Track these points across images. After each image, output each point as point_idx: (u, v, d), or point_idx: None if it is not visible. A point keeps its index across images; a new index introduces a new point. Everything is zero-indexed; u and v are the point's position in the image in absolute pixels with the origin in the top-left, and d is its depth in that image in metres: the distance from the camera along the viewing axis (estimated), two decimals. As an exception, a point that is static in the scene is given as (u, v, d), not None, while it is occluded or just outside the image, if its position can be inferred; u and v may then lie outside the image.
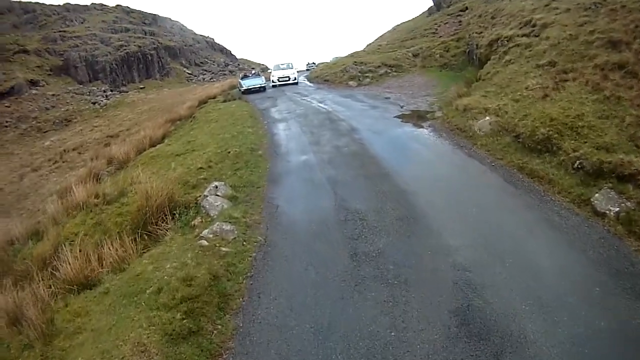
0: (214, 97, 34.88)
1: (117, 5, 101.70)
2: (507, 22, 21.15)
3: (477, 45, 23.87)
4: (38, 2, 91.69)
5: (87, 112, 56.01)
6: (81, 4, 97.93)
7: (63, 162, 36.01)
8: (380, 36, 63.40)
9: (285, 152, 14.83)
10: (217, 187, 11.36)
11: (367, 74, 31.82)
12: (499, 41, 19.58)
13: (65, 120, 53.91)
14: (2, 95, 56.94)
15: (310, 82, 36.73)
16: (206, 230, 9.02)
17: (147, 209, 10.34)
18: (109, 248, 9.07)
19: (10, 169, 40.00)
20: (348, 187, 10.75)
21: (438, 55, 31.12)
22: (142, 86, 71.90)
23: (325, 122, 18.37)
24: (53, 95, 59.82)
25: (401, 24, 63.58)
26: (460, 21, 36.42)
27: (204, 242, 8.56)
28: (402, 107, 20.26)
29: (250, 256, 8.29)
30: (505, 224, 8.29)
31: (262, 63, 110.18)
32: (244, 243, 8.73)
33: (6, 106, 55.40)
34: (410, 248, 7.78)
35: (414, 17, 63.48)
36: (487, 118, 13.38)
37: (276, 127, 18.79)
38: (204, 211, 10.46)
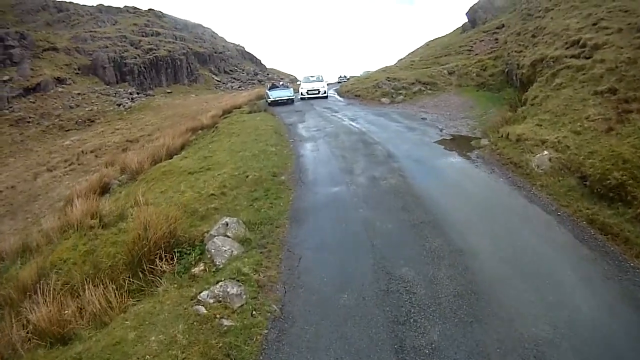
0: (240, 107, 33.43)
1: (150, 9, 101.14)
2: (550, 42, 19.39)
3: (518, 65, 22.06)
4: (72, 2, 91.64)
5: (111, 114, 54.75)
6: (114, 5, 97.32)
7: (79, 164, 34.50)
8: (413, 52, 61.36)
9: (312, 180, 12.65)
10: (227, 224, 9.22)
11: (400, 91, 29.97)
12: (543, 62, 17.72)
13: (88, 120, 52.68)
14: (28, 91, 56.48)
15: (340, 97, 34.73)
16: (206, 292, 6.85)
17: (143, 242, 8.40)
18: (91, 294, 7.36)
19: (26, 166, 38.83)
20: (389, 239, 8.46)
21: (474, 74, 29.43)
22: (169, 91, 70.79)
23: (359, 144, 16.23)
24: (79, 94, 58.83)
25: (434, 39, 61.68)
26: (496, 39, 35.09)
27: (202, 310, 6.44)
28: (441, 130, 18.25)
29: (261, 334, 6.12)
30: (589, 305, 6.23)
31: (291, 74, 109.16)
32: (254, 313, 6.52)
33: (31, 102, 54.74)
34: (474, 344, 5.55)
35: (447, 33, 62.12)
36: (546, 153, 11.36)
37: (303, 148, 16.71)
38: (208, 256, 8.30)
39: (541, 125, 13.19)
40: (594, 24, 17.14)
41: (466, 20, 53.26)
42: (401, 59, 57.42)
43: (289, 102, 32.64)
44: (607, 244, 7.69)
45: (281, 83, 40.64)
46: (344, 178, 12.34)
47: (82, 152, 37.87)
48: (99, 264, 8.82)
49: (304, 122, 22.99)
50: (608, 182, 8.80)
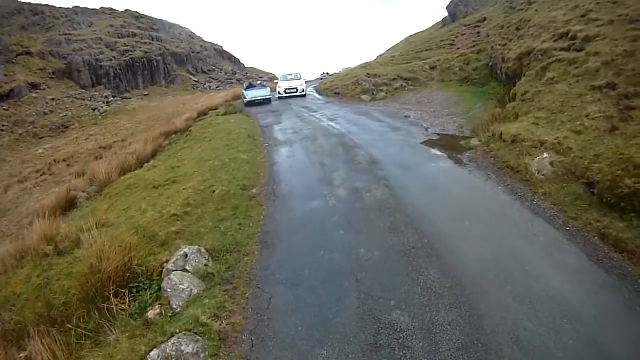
0: (215, 108, 31.92)
1: (126, 9, 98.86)
2: (536, 34, 18.40)
3: (502, 58, 20.93)
4: (47, 4, 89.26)
5: (86, 119, 52.91)
6: (90, 7, 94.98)
7: (50, 174, 32.76)
8: (392, 47, 60.22)
9: (286, 193, 11.13)
10: (186, 255, 7.81)
11: (381, 87, 28.60)
12: (531, 55, 16.65)
13: (62, 127, 50.85)
14: (2, 98, 54.90)
15: (319, 95, 33.11)
16: (156, 352, 5.45)
17: (97, 276, 7.27)
18: (39, 342, 6.30)
19: (-2, 177, 36.81)
20: (376, 271, 6.96)
21: (457, 69, 28.27)
22: (146, 92, 68.95)
23: (338, 148, 14.75)
24: (53, 99, 56.88)
25: (414, 34, 60.75)
26: (478, 32, 34.28)
27: (151, 376, 5.03)
28: (426, 129, 16.84)
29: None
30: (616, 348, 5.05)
31: (270, 72, 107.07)
32: (212, 381, 5.12)
33: (4, 109, 52.97)
34: None
35: (427, 27, 60.90)
36: (546, 155, 10.06)
37: (278, 154, 15.19)
38: (165, 295, 6.88)
39: (537, 124, 11.97)
40: (582, 16, 16.13)
41: (446, 14, 52.36)
42: (381, 55, 56.22)
43: (266, 101, 31.19)
44: (624, 264, 6.52)
45: (258, 82, 38.88)
46: (323, 190, 10.85)
47: (55, 160, 36.13)
48: (53, 299, 7.76)
49: (280, 123, 21.51)
50: (619, 190, 7.65)
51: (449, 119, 18.51)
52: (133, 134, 36.27)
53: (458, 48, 33.44)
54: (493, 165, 11.36)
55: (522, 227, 8.00)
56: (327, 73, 64.90)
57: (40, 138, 48.72)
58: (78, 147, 39.03)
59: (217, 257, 8.03)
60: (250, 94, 31.66)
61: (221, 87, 77.57)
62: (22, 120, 51.78)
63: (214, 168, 13.27)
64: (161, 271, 7.63)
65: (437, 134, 15.97)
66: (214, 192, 11.00)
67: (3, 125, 50.50)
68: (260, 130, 19.98)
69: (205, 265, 7.73)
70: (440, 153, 13.31)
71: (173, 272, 7.34)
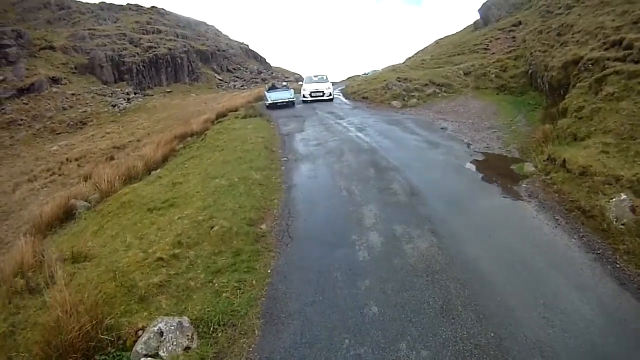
0: (236, 110, 29.83)
1: (153, 6, 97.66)
2: (583, 41, 16.79)
3: (545, 66, 18.78)
4: (73, 0, 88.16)
5: (105, 116, 51.46)
6: (117, 3, 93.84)
7: (60, 174, 31.06)
8: (422, 50, 57.49)
9: (304, 234, 8.73)
10: (162, 333, 5.60)
11: (412, 93, 26.09)
12: (580, 64, 14.76)
13: (80, 123, 49.49)
14: (22, 92, 53.73)
15: (346, 99, 30.51)
16: None
17: (61, 337, 5.47)
18: None
19: (10, 174, 35.79)
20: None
21: (493, 75, 25.88)
22: (169, 90, 67.33)
23: (369, 169, 12.32)
24: (73, 94, 55.62)
25: (445, 37, 58.09)
26: (514, 37, 31.84)
27: None
28: (468, 146, 14.56)
29: None
30: None
31: (296, 72, 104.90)
32: None
33: (24, 103, 51.98)
34: None
35: (457, 31, 58.82)
36: (624, 197, 7.90)
37: (297, 173, 12.86)
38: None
39: (607, 152, 9.74)
40: (635, 22, 14.51)
41: (478, 17, 50.44)
42: (410, 58, 53.62)
43: (289, 104, 28.87)
44: None
45: (284, 84, 36.49)
46: (350, 233, 8.43)
47: (67, 159, 34.47)
48: (15, 357, 5.98)
49: (303, 131, 19.17)
50: None
51: (491, 133, 16.21)
52: (149, 134, 34.36)
53: (493, 53, 31.10)
54: (559, 204, 9.02)
55: (610, 307, 5.76)
56: (366, 73, 61.48)
57: (58, 134, 47.31)
58: (92, 146, 37.29)
59: (206, 333, 5.83)
60: (273, 96, 29.40)
61: (246, 87, 75.66)
62: (40, 115, 50.49)
63: (219, 190, 11.07)
64: (135, 340, 5.61)
65: (482, 152, 13.69)
66: (212, 227, 8.70)
67: (21, 120, 49.28)
68: (279, 140, 17.75)
69: (187, 349, 5.48)
70: (491, 182, 10.98)
71: (143, 358, 5.17)
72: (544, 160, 11.14)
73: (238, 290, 6.73)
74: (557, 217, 8.42)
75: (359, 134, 17.18)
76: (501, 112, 19.67)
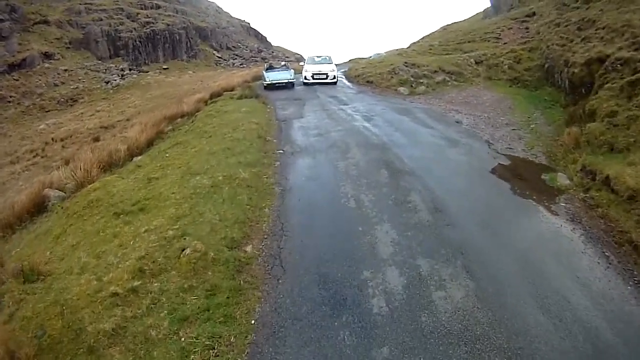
0: (232, 89, 27.40)
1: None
2: (608, 38, 15.71)
3: (565, 62, 17.33)
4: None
5: (97, 92, 49.22)
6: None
7: (42, 156, 28.94)
8: (428, 35, 55.05)
9: (300, 263, 6.65)
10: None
11: (421, 80, 23.88)
12: (606, 63, 13.56)
13: (71, 100, 47.33)
14: (13, 67, 51.20)
15: (349, 82, 28.05)
16: None
17: None
18: None
19: (-6, 155, 33.10)
20: None
21: (506, 66, 23.97)
22: (165, 67, 64.81)
23: (381, 172, 10.18)
24: (65, 70, 53.27)
25: (452, 24, 56.29)
26: (527, 28, 29.93)
27: None
28: (489, 145, 12.74)
29: None
30: None
31: (297, 52, 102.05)
32: None
33: (14, 79, 49.92)
34: None
35: (466, 18, 56.82)
36: None
37: (294, 171, 10.70)
38: None
39: None
40: None
41: (488, 5, 49.43)
42: (415, 43, 51.19)
43: (289, 86, 26.51)
44: None
45: (283, 64, 33.83)
46: (361, 266, 6.37)
47: (53, 139, 32.37)
48: None
49: (303, 117, 16.94)
50: None
51: (510, 131, 14.33)
52: (140, 112, 32.23)
53: (505, 43, 29.12)
54: (607, 234, 7.38)
55: None
56: (371, 57, 58.34)
57: (47, 111, 45.13)
58: (80, 125, 35.18)
59: None
60: (271, 76, 27.03)
61: (245, 65, 72.91)
62: (30, 91, 48.20)
63: (199, 192, 9.03)
64: None
65: (505, 155, 11.78)
66: (184, 249, 6.62)
67: (11, 97, 46.99)
68: (275, 127, 15.55)
69: None
70: (525, 196, 9.04)
71: None
72: (577, 172, 9.73)
73: (211, 352, 4.79)
74: (607, 254, 6.75)
75: (366, 124, 14.99)
76: (517, 107, 17.89)
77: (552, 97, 18.00)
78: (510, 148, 12.36)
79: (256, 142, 12.88)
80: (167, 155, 13.28)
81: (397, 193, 8.86)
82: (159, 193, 9.43)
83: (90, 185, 11.34)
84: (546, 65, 20.87)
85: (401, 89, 23.11)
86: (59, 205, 11.25)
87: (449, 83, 23.51)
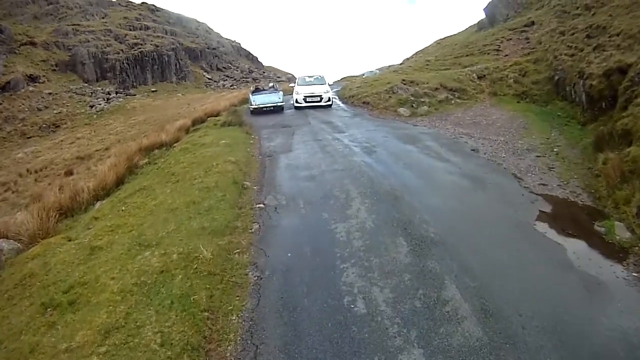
0: (217, 115, 24.83)
1: (143, 2, 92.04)
2: (625, 45, 14.87)
3: (580, 73, 15.93)
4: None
5: (80, 117, 46.54)
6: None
7: (14, 191, 26.02)
8: (422, 50, 52.66)
9: None
10: None
11: (422, 99, 21.29)
12: (631, 74, 12.18)
13: (53, 125, 44.76)
14: None
15: (342, 103, 25.10)
16: None
17: None
18: None
19: (-33, 188, 30.10)
20: None
21: (512, 80, 22.18)
22: (154, 89, 62.17)
23: (398, 239, 7.25)
24: (50, 93, 50.62)
25: (447, 37, 54.09)
26: (527, 38, 28.59)
27: None
28: (519, 181, 10.17)
29: None
30: None
31: (288, 72, 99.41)
32: None
33: None
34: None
35: (460, 31, 55.56)
36: None
37: (276, 241, 7.67)
38: None
39: None
40: None
41: (481, 17, 47.62)
42: (408, 58, 48.87)
43: (277, 109, 23.68)
44: None
45: (270, 85, 30.93)
46: None
47: (27, 171, 29.49)
48: None
49: (291, 151, 14.00)
50: None
51: (535, 159, 11.98)
52: (120, 140, 29.52)
53: (506, 55, 27.43)
54: None
55: None
56: (372, 71, 54.90)
57: (28, 138, 42.39)
58: (58, 154, 32.37)
59: None
60: (258, 100, 24.07)
61: (235, 86, 70.30)
62: (13, 116, 45.53)
63: (143, 284, 6.24)
64: None
65: (543, 196, 9.26)
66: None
67: (-7, 122, 44.00)
68: (257, 165, 12.65)
69: None
70: (592, 270, 6.35)
71: None
72: (635, 217, 7.49)
73: None
74: None
75: (368, 160, 12.07)
76: (531, 127, 15.79)
77: (565, 112, 16.42)
78: (544, 184, 9.94)
79: (230, 190, 9.89)
80: (123, 208, 10.33)
81: (426, 284, 5.89)
82: (96, 276, 6.72)
83: (30, 251, 8.80)
84: (556, 78, 19.11)
85: (401, 110, 20.54)
86: (9, 263, 8.66)
87: (452, 101, 21.31)
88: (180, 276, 6.22)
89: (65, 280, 6.81)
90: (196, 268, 6.43)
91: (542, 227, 7.64)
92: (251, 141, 16.12)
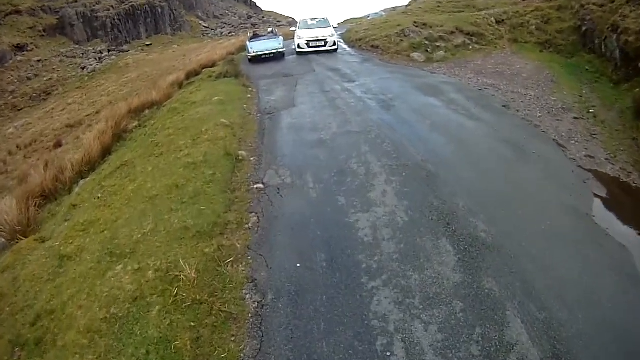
0: (213, 65, 22.76)
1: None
2: None
3: (613, 27, 14.41)
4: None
5: (71, 82, 44.72)
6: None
7: (2, 172, 24.44)
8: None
9: None
10: None
11: (437, 43, 19.32)
12: None
13: (44, 93, 43.01)
14: None
15: (349, 47, 23.00)
16: None
17: None
18: None
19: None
20: None
21: (534, 27, 20.21)
22: (148, 43, 59.80)
23: (440, 241, 5.64)
24: (39, 61, 48.61)
25: None
26: None
27: None
28: (564, 151, 8.63)
29: None
30: None
31: (290, 16, 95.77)
32: None
33: None
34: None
35: None
36: None
37: (277, 242, 5.97)
38: None
39: None
40: None
41: None
42: (415, 0, 45.49)
43: (278, 56, 21.72)
44: None
45: (270, 30, 28.66)
46: None
47: (18, 147, 27.92)
48: None
49: (294, 106, 12.15)
50: None
51: (573, 121, 10.44)
52: (112, 102, 27.69)
53: (525, 0, 25.04)
54: None
55: None
56: (378, 13, 51.78)
57: (19, 110, 40.76)
58: (48, 125, 30.84)
59: None
60: (256, 47, 22.05)
61: (234, 34, 67.43)
62: (2, 90, 43.82)
63: (113, 318, 4.87)
64: None
65: (593, 172, 7.79)
66: None
67: (-18, 99, 42.46)
68: (255, 127, 10.84)
69: None
70: None
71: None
72: None
73: None
74: None
75: (387, 117, 10.27)
76: (560, 81, 14.19)
77: (594, 67, 14.59)
78: (590, 157, 8.41)
79: (222, 166, 8.18)
80: (99, 195, 8.78)
81: (484, 317, 4.35)
82: (63, 303, 5.53)
83: (1, 261, 7.75)
84: (583, 29, 17.28)
85: (415, 54, 18.59)
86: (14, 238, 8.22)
87: (470, 47, 19.40)
88: (157, 307, 4.76)
89: (32, 306, 5.84)
90: (177, 295, 4.86)
91: (602, 220, 6.18)
92: (248, 95, 14.31)
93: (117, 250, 6.03)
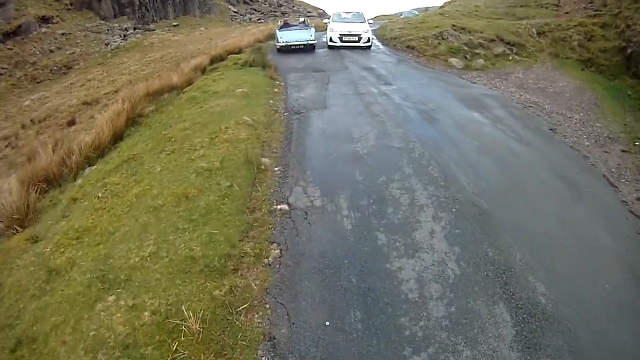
0: (239, 52, 21.73)
1: None
2: None
3: None
4: None
5: (93, 57, 44.05)
6: None
7: (14, 146, 23.96)
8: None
9: None
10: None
11: (476, 50, 18.51)
12: None
13: (65, 67, 42.36)
14: (8, 36, 46.40)
15: (383, 45, 22.01)
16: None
17: None
18: None
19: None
20: None
21: (576, 43, 19.75)
22: (175, 23, 59.09)
23: (495, 305, 4.76)
24: (63, 34, 47.95)
25: None
26: None
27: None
28: (616, 192, 7.86)
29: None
30: None
31: (320, 8, 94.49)
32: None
33: (8, 48, 45.46)
34: None
35: None
36: None
37: (303, 291, 4.95)
38: None
39: None
40: None
41: None
42: (450, 2, 44.18)
43: (308, 48, 20.83)
44: None
45: (301, 20, 27.66)
46: None
47: (32, 121, 27.33)
48: None
49: (326, 108, 11.15)
50: None
51: (621, 155, 9.79)
52: (132, 81, 26.80)
53: (567, 12, 24.82)
54: None
55: None
56: (413, 11, 50.32)
57: (38, 82, 40.26)
58: (65, 100, 30.23)
59: None
60: (285, 37, 21.15)
61: (263, 20, 66.58)
62: (24, 61, 43.39)
63: None
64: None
65: None
66: None
67: (3, 69, 42.20)
68: (281, 129, 9.81)
69: None
70: None
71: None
72: None
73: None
74: None
75: (431, 132, 9.37)
76: (603, 105, 13.71)
77: (637, 93, 14.52)
78: None
79: (241, 176, 7.21)
80: (100, 194, 7.81)
81: None
82: (46, 333, 4.80)
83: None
84: (628, 51, 17.03)
85: (453, 60, 17.76)
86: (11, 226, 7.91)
87: (510, 57, 18.76)
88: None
89: (14, 327, 5.20)
90: (176, 351, 3.98)
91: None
92: (275, 89, 13.32)
93: (110, 274, 5.22)
